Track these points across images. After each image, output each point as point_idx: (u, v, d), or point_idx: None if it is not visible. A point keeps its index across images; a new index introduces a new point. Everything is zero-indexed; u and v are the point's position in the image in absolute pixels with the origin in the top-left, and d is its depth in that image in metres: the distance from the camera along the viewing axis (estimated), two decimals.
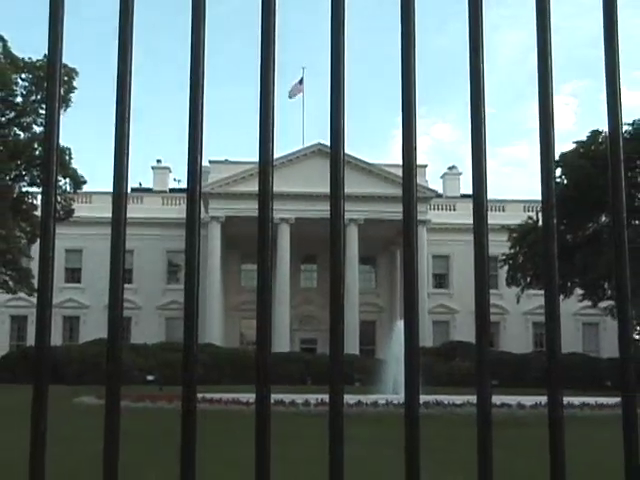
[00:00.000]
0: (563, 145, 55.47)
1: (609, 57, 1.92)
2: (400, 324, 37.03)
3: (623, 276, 1.86)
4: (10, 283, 50.54)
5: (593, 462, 11.45)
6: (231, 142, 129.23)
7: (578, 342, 69.40)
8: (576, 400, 25.87)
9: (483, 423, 1.83)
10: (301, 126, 75.18)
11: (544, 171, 1.92)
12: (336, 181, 1.88)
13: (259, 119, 1.92)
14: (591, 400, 27.53)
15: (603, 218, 54.96)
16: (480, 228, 1.88)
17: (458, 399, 26.12)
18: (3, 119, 48.48)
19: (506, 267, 59.03)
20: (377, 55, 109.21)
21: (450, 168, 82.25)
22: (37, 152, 46.43)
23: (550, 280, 1.89)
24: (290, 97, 70.24)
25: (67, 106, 46.94)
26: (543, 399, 23.69)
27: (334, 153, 1.90)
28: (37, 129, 47.91)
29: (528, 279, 57.45)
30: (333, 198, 1.88)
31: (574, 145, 54.97)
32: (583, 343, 71.09)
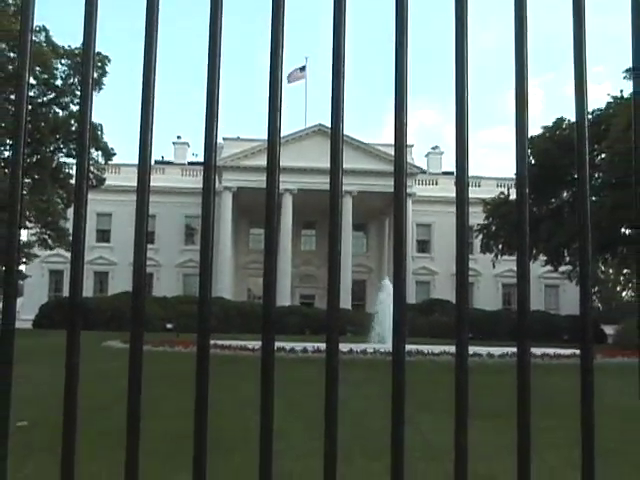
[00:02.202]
0: (531, 130, 55.10)
1: (577, 52, 1.91)
2: (386, 281, 37.04)
3: (586, 242, 1.87)
4: (49, 241, 50.80)
5: (553, 402, 11.51)
6: (243, 121, 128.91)
7: (541, 301, 69.70)
8: (538, 351, 25.94)
9: (460, 369, 1.84)
10: (304, 109, 75.23)
11: (519, 150, 1.92)
12: (336, 157, 1.88)
13: (268, 102, 1.91)
14: (550, 351, 27.65)
15: (565, 194, 55.12)
16: (462, 198, 1.89)
17: (436, 349, 26.19)
18: (45, 99, 48.48)
19: (480, 236, 59.12)
20: (372, 45, 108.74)
21: (433, 148, 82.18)
22: (74, 128, 46.44)
23: (522, 243, 1.89)
24: (289, 82, 69.81)
25: (100, 88, 46.98)
26: (510, 350, 23.81)
27: (334, 132, 1.90)
28: (74, 108, 47.89)
29: (500, 246, 57.70)
30: (332, 172, 1.88)
31: (541, 130, 54.93)
32: (545, 302, 71.42)
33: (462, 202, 1.89)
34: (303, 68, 70.73)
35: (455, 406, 1.83)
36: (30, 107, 44.27)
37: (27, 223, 48.22)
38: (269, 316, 1.87)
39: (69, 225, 44.31)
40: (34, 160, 46.90)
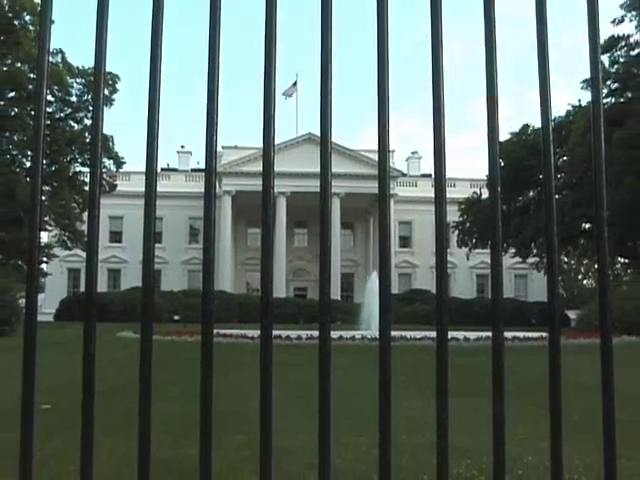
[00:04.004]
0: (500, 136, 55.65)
1: (541, 64, 1.91)
2: (374, 275, 37.10)
3: (552, 234, 1.87)
4: (68, 242, 50.82)
5: (523, 380, 11.57)
6: (240, 131, 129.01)
7: (511, 290, 69.85)
8: (509, 334, 26.01)
9: (441, 352, 1.84)
10: (295, 119, 75.17)
11: (490, 153, 1.92)
12: (325, 162, 1.88)
13: (263, 113, 1.92)
14: (520, 334, 27.74)
15: (531, 193, 55.37)
16: (440, 199, 1.89)
17: (418, 334, 26.22)
18: (62, 114, 48.57)
19: (456, 232, 59.26)
20: (356, 58, 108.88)
21: (413, 153, 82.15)
22: (88, 140, 46.57)
23: (495, 236, 1.90)
24: (285, 97, 69.91)
25: (111, 104, 47.02)
26: (484, 334, 23.80)
27: (323, 140, 1.90)
28: (88, 122, 48.00)
29: (474, 241, 57.87)
30: (322, 176, 1.88)
31: (509, 136, 55.15)
32: (515, 290, 71.55)
33: (441, 200, 1.90)
34: (295, 83, 70.85)
35: (436, 385, 1.84)
36: (48, 122, 44.44)
37: (47, 226, 48.31)
38: (267, 307, 1.87)
39: (85, 227, 44.22)
40: (53, 169, 47.00)
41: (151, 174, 1.93)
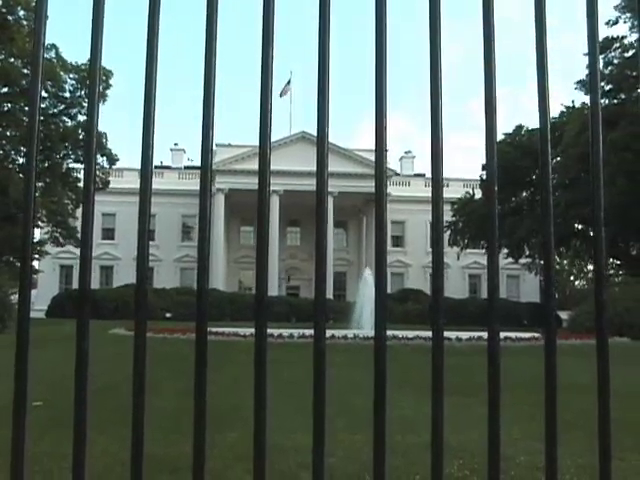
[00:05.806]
0: None
1: (540, 65, 1.91)
2: (366, 273, 37.03)
3: (548, 234, 1.87)
4: (60, 239, 50.74)
5: (514, 380, 11.57)
6: (234, 129, 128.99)
7: (503, 290, 69.90)
8: (501, 334, 25.94)
9: (436, 351, 1.84)
10: (289, 117, 75.14)
11: (488, 152, 1.92)
12: (321, 161, 1.88)
13: (260, 111, 1.91)
14: (512, 334, 27.77)
15: (524, 194, 55.54)
16: (436, 198, 1.89)
17: (410, 334, 26.17)
18: (55, 110, 48.44)
19: (449, 232, 59.38)
20: (353, 56, 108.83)
21: (406, 152, 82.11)
22: (81, 136, 46.48)
23: (491, 237, 1.90)
24: (280, 96, 69.95)
25: (105, 100, 46.87)
26: (476, 334, 23.81)
27: (320, 139, 1.90)
28: (81, 118, 47.91)
29: (466, 241, 58.04)
30: (318, 175, 1.88)
31: (503, 136, 55.32)
32: (507, 291, 71.64)
33: (437, 199, 1.90)
34: (289, 82, 70.86)
35: (432, 384, 1.83)
36: (42, 118, 44.28)
37: (40, 223, 48.20)
38: (261, 304, 1.87)
39: (77, 224, 44.62)
40: (46, 165, 46.90)
41: (146, 171, 1.93)
